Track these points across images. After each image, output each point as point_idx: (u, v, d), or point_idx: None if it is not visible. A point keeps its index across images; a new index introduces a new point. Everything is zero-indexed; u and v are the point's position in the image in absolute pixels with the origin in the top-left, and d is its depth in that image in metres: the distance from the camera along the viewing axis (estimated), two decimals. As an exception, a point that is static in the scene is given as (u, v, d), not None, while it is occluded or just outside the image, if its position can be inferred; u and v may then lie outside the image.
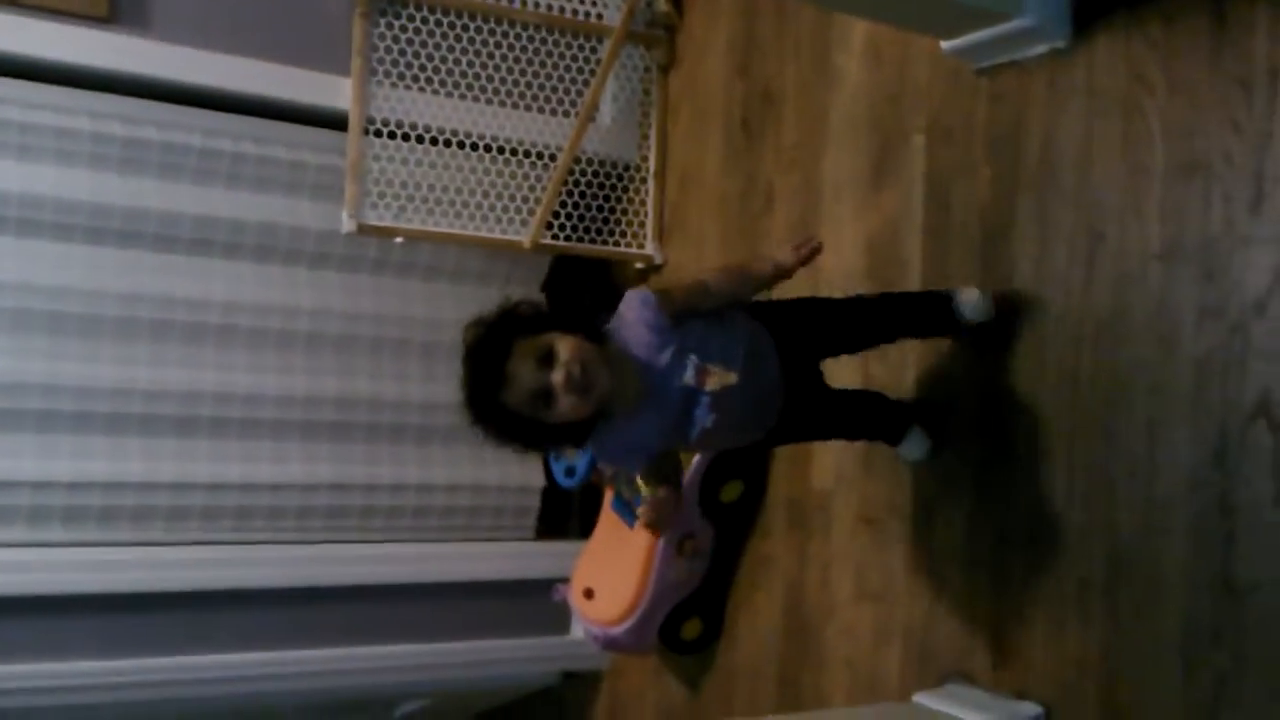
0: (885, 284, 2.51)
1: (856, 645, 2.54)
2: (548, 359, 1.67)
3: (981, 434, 2.27)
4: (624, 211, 3.38)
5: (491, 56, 3.19)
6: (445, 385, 3.15)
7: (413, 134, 3.09)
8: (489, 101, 3.20)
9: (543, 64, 3.26)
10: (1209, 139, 1.91)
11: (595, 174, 3.33)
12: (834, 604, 2.62)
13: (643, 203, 3.36)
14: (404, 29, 3.07)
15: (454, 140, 3.15)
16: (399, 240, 3.06)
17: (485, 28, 3.17)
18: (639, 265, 3.35)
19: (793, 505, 2.77)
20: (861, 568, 2.56)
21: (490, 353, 1.69)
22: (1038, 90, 2.21)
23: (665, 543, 2.80)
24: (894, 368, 2.46)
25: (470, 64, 3.17)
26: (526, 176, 3.25)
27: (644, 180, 3.36)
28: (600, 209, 3.36)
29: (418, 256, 3.28)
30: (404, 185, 3.06)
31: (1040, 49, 2.20)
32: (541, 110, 3.27)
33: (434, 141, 3.12)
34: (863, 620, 2.53)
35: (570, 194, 3.27)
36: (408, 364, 3.25)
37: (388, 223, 3.03)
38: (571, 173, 3.23)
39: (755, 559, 2.88)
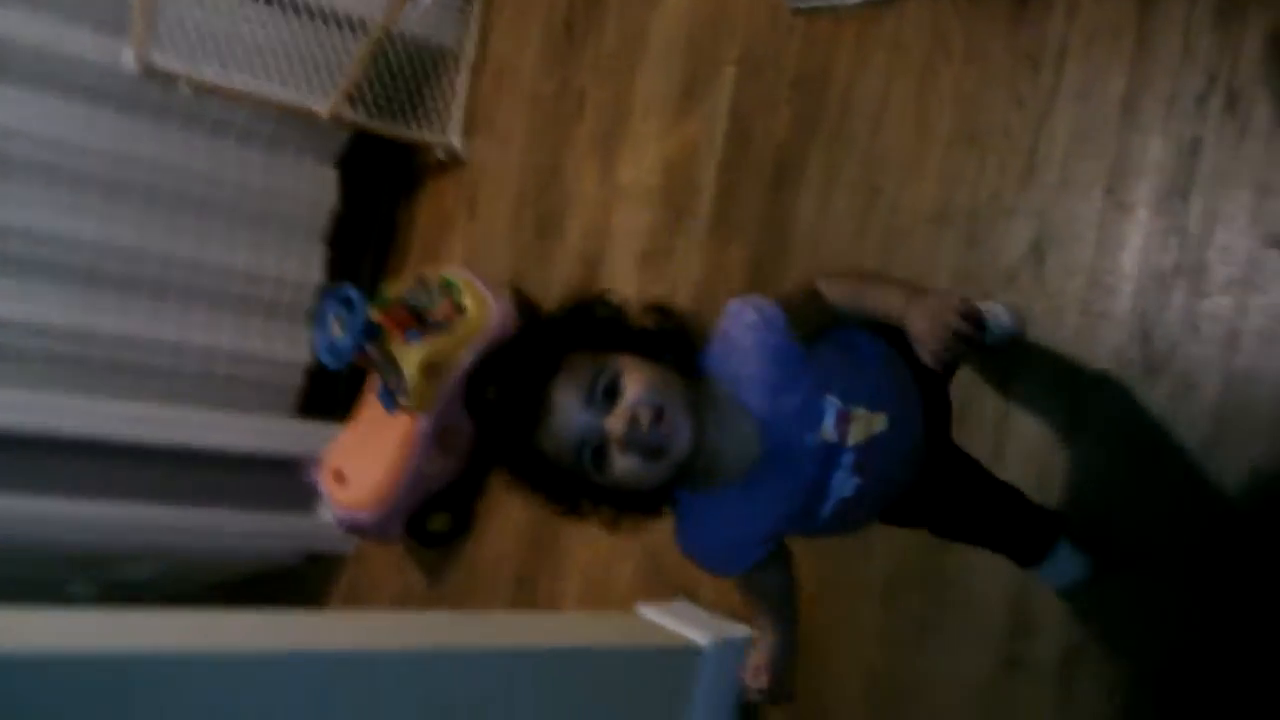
0: (673, 224, 2.54)
1: (595, 556, 2.59)
2: (609, 393, 1.12)
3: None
4: (433, 97, 3.28)
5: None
6: (218, 246, 3.03)
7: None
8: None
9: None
10: (994, 111, 1.98)
11: (409, 53, 3.21)
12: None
13: (454, 91, 3.26)
14: None
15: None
16: (186, 89, 2.88)
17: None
18: (440, 155, 3.26)
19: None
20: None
21: (530, 366, 1.14)
22: (847, 38, 2.25)
23: (424, 434, 2.77)
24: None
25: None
26: (335, 45, 3.10)
27: (458, 68, 3.27)
28: (409, 90, 3.24)
29: (206, 109, 3.09)
30: (199, 29, 2.87)
31: (858, -2, 2.23)
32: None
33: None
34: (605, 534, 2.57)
35: (379, 70, 3.14)
36: (180, 218, 3.08)
37: (176, 68, 2.84)
38: (383, 47, 3.10)
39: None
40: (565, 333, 1.18)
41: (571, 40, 2.95)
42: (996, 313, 1.80)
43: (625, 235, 2.67)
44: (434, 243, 3.27)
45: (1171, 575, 1.66)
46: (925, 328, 1.17)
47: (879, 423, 1.25)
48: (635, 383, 1.11)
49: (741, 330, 1.24)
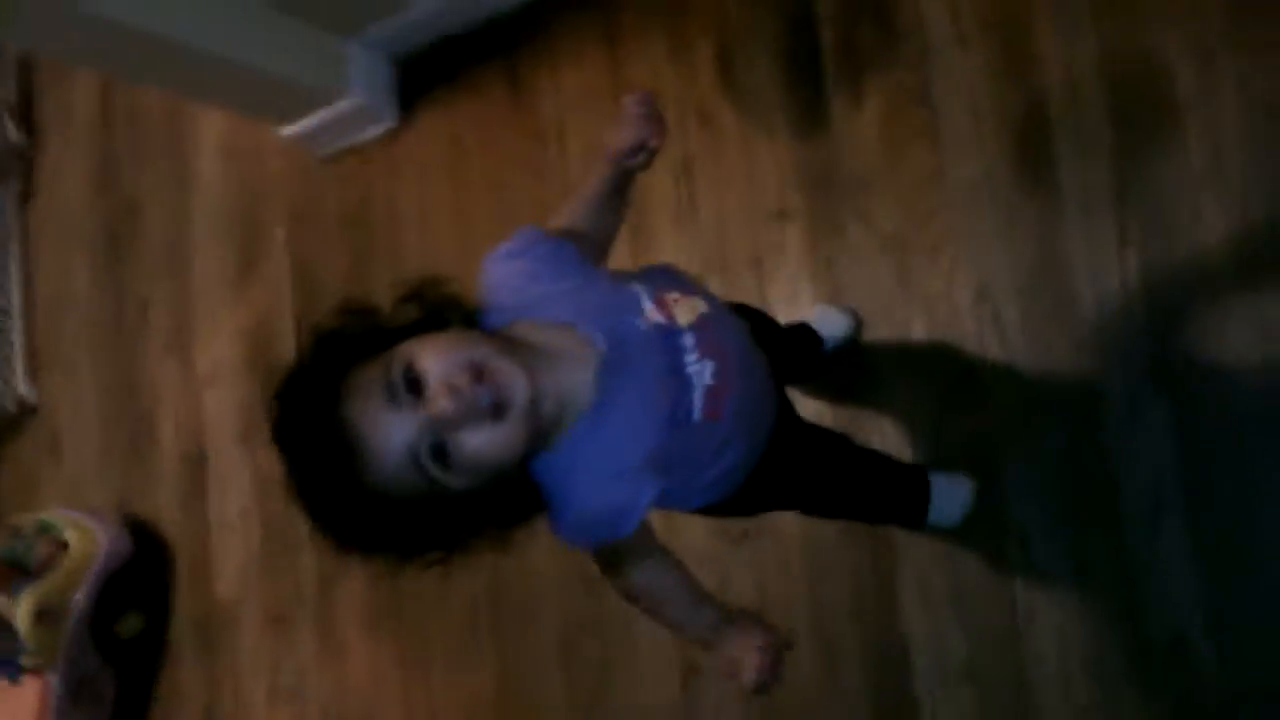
0: (265, 372, 2.50)
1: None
2: (411, 384, 0.90)
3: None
4: (-12, 352, 3.07)
5: None
6: None
7: None
8: None
9: None
10: (519, 189, 2.13)
11: (-52, 314, 3.01)
12: (251, 714, 2.47)
13: (10, 342, 3.08)
14: None
15: None
16: None
17: None
18: (10, 408, 3.04)
19: (199, 624, 2.60)
20: (274, 669, 2.45)
21: (314, 415, 0.93)
22: (378, 168, 2.36)
23: (58, 693, 2.50)
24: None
25: None
26: None
27: (9, 316, 3.09)
28: (-43, 351, 3.03)
29: None
30: None
31: (375, 130, 2.36)
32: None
33: None
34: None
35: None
36: None
37: None
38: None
39: (169, 691, 2.65)
40: (331, 362, 0.95)
41: (118, 252, 2.88)
42: (832, 319, 1.75)
43: (221, 420, 2.59)
44: (23, 500, 3.01)
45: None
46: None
47: (700, 305, 1.10)
48: (433, 355, 0.91)
49: (502, 267, 1.08)
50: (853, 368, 1.75)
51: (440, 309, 1.01)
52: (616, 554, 1.09)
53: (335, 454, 0.90)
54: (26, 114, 3.14)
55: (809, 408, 1.76)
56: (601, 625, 1.96)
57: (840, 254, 1.78)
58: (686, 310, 1.08)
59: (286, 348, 2.48)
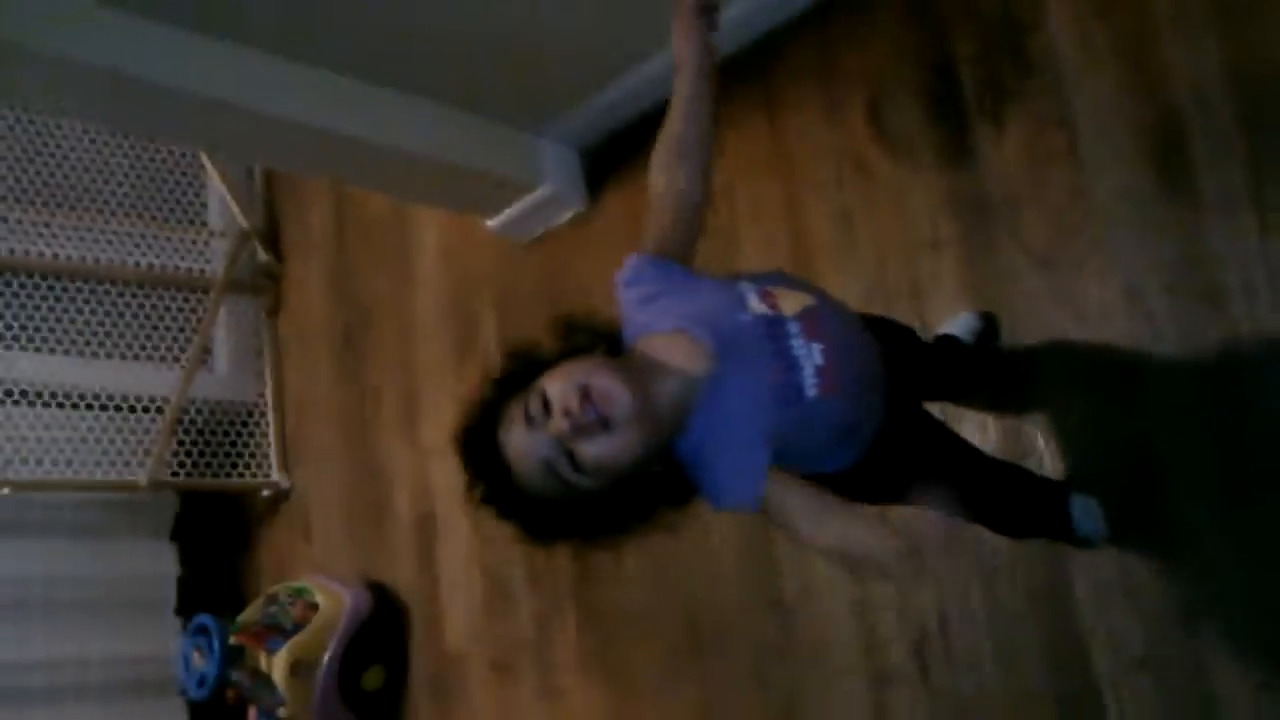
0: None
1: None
2: (547, 410, 1.13)
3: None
4: (246, 445, 3.48)
5: (96, 314, 3.30)
6: (69, 643, 3.06)
7: (17, 393, 3.11)
8: (97, 356, 3.28)
9: (147, 317, 3.39)
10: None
11: (214, 416, 3.44)
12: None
13: (264, 435, 3.48)
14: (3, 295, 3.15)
15: (62, 399, 3.18)
16: (4, 491, 3.01)
17: (88, 288, 3.30)
18: (266, 493, 3.43)
19: (434, 675, 2.84)
20: (501, 713, 2.65)
21: (480, 439, 1.19)
22: (571, 248, 2.62)
23: (310, 747, 2.77)
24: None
25: (75, 322, 3.26)
26: (146, 428, 3.30)
27: (263, 414, 3.50)
28: (224, 445, 3.44)
29: (29, 514, 3.21)
30: (9, 439, 3.05)
31: (567, 214, 2.62)
32: (155, 361, 3.37)
33: (41, 401, 3.14)
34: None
35: (189, 437, 3.34)
36: (27, 625, 3.11)
37: (-8, 475, 2.99)
38: (188, 417, 3.33)
39: (408, 744, 2.89)
40: (492, 401, 1.20)
41: (354, 350, 3.25)
42: (962, 320, 1.88)
43: (446, 486, 2.86)
44: (279, 576, 3.36)
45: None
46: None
47: (806, 299, 1.26)
48: (555, 383, 1.12)
49: (622, 295, 1.27)
50: (1011, 375, 1.84)
51: (581, 338, 1.22)
52: (779, 513, 1.20)
53: (497, 469, 1.16)
54: (273, 238, 3.60)
55: (974, 420, 1.86)
56: (790, 650, 2.07)
57: (994, 273, 1.89)
58: (792, 303, 1.24)
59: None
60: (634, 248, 1.29)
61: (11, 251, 3.16)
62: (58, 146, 3.33)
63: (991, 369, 1.85)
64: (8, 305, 3.15)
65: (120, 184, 3.44)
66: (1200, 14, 1.71)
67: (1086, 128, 1.81)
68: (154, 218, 3.46)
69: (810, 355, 1.20)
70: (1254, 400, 1.62)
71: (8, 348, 3.13)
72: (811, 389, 1.20)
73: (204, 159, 3.52)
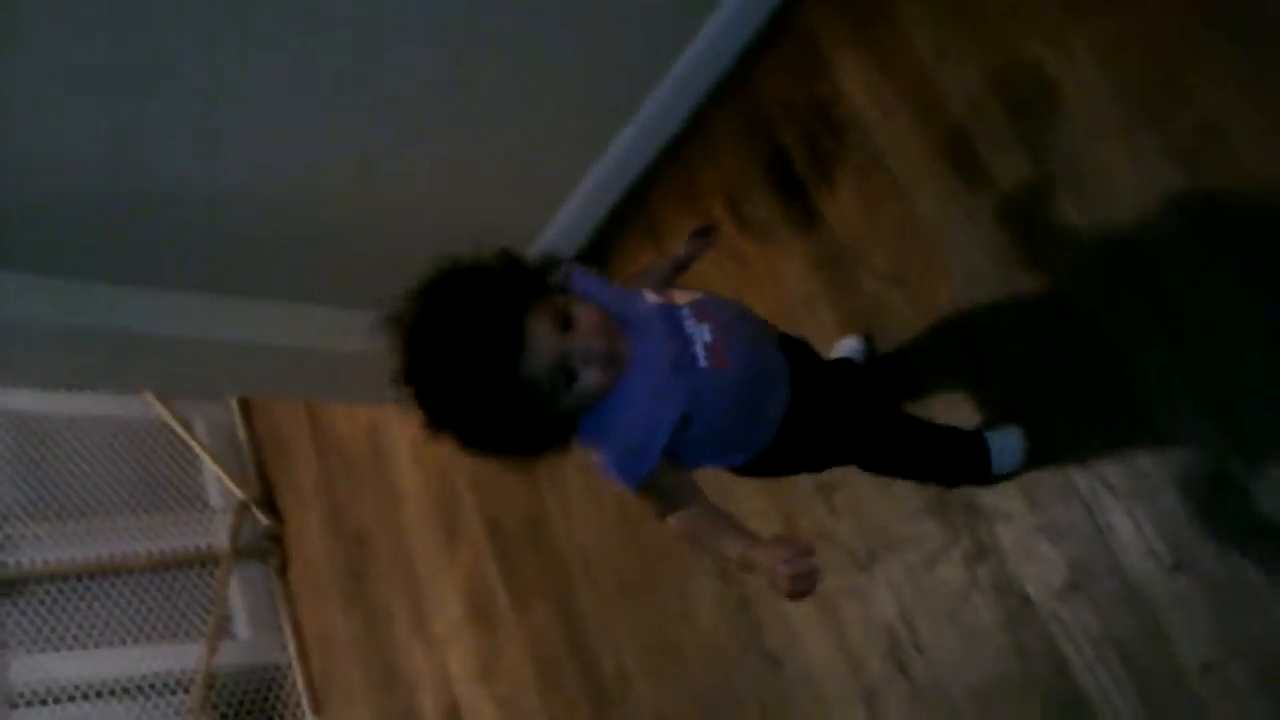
0: (486, 623, 2.93)
1: None
2: (567, 324, 1.32)
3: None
4: (278, 700, 3.61)
5: (116, 604, 3.50)
6: None
7: (50, 695, 3.27)
8: (124, 644, 3.46)
9: (165, 599, 3.60)
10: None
11: (243, 681, 3.59)
12: None
13: (293, 686, 3.62)
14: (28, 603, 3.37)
15: (94, 692, 3.34)
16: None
17: (106, 582, 3.52)
18: (304, 740, 3.53)
19: None
20: None
21: (500, 307, 1.30)
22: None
23: None
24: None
25: (99, 615, 3.46)
26: (178, 708, 3.44)
27: (289, 667, 3.65)
28: (256, 707, 3.57)
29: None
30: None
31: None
32: (179, 639, 3.55)
33: (73, 697, 3.30)
34: None
35: (222, 706, 3.48)
36: None
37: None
38: (218, 687, 3.48)
39: None
40: (520, 283, 1.35)
41: (359, 578, 3.45)
42: (847, 343, 2.13)
43: (463, 669, 3.00)
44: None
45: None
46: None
47: (694, 295, 1.49)
48: (586, 313, 1.34)
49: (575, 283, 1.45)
50: (896, 373, 2.08)
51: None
52: (661, 498, 1.41)
53: (508, 345, 1.28)
54: (270, 501, 3.86)
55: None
56: (790, 696, 2.20)
57: (862, 305, 2.15)
58: (683, 296, 1.49)
59: (495, 587, 2.92)
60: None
61: (31, 562, 3.41)
62: (63, 462, 3.64)
63: (882, 374, 2.09)
64: (34, 611, 3.36)
65: (123, 483, 3.73)
66: (955, 43, 2.05)
67: (897, 163, 2.12)
68: (157, 508, 3.73)
69: (700, 334, 1.42)
70: (1081, 316, 1.85)
71: (39, 650, 3.32)
72: (703, 360, 1.41)
73: (194, 445, 3.83)
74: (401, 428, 3.26)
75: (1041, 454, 1.87)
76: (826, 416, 1.64)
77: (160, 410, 3.87)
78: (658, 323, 1.43)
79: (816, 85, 2.26)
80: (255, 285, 2.47)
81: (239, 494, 3.78)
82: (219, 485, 3.86)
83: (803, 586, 1.24)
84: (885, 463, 1.84)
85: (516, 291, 1.33)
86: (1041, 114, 1.93)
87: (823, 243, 2.23)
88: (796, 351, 1.65)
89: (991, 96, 2.00)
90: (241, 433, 4.00)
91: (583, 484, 2.68)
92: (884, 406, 1.94)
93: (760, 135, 2.37)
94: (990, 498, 1.92)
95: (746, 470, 1.61)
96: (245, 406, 4.05)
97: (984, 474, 1.89)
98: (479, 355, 1.29)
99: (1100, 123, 1.86)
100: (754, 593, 2.28)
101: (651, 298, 1.47)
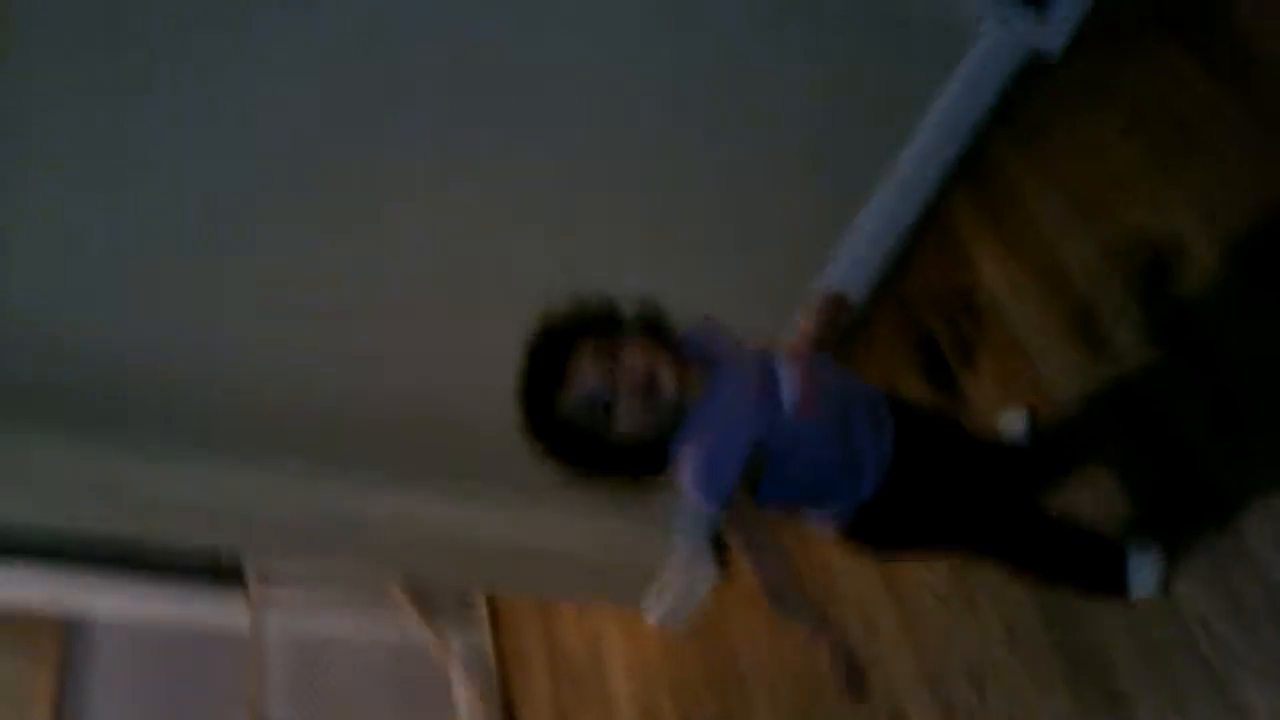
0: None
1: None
2: (613, 359, 1.45)
3: None
4: None
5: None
6: None
7: None
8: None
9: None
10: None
11: None
12: None
13: None
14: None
15: None
16: None
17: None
18: None
19: None
20: None
21: (552, 348, 1.48)
22: (721, 615, 2.96)
23: None
24: None
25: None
26: None
27: None
28: None
29: None
30: None
31: (705, 587, 3.00)
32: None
33: None
34: None
35: None
36: None
37: None
38: None
39: None
40: (574, 327, 1.49)
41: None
42: (1011, 420, 2.10)
43: None
44: None
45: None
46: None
47: (804, 357, 1.56)
48: (633, 350, 1.45)
49: (690, 329, 1.57)
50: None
51: (655, 326, 1.53)
52: (740, 528, 1.50)
53: (554, 374, 1.45)
54: (511, 716, 4.05)
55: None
56: None
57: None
58: (785, 347, 1.59)
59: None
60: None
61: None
62: (333, 682, 4.01)
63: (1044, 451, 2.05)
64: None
65: (385, 702, 4.04)
66: (1073, 222, 2.12)
67: (1030, 340, 2.17)
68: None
69: (791, 379, 1.50)
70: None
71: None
72: (788, 399, 1.48)
73: (449, 665, 4.12)
74: (618, 637, 3.41)
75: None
76: (932, 478, 1.62)
77: (423, 632, 4.21)
78: (751, 364, 1.53)
79: (959, 274, 2.37)
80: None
81: (483, 711, 4.00)
82: (467, 702, 4.09)
83: (845, 686, 1.46)
84: (1010, 550, 1.76)
85: (577, 330, 1.48)
86: (1152, 276, 1.95)
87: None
88: (914, 418, 1.65)
89: (1107, 267, 2.04)
90: (490, 650, 4.26)
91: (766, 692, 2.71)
92: (1019, 489, 1.87)
93: (910, 322, 2.48)
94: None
95: (851, 532, 1.62)
96: (495, 624, 4.32)
97: (1115, 586, 1.78)
98: (528, 392, 1.48)
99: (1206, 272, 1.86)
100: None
101: (754, 349, 1.57)
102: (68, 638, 3.80)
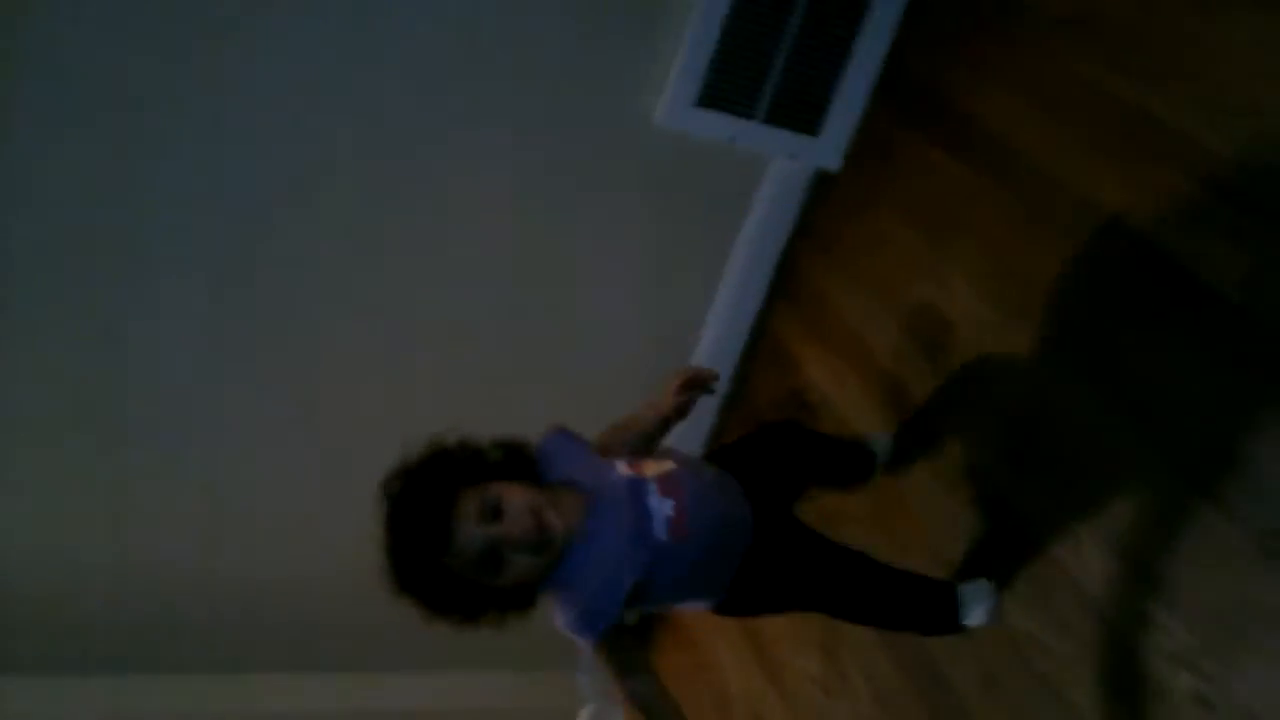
0: None
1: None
2: (495, 511, 1.45)
3: None
4: None
5: None
6: None
7: None
8: None
9: None
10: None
11: None
12: None
13: None
14: None
15: None
16: None
17: None
18: None
19: None
20: None
21: (427, 508, 1.45)
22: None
23: None
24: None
25: None
26: None
27: None
28: None
29: None
30: None
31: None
32: None
33: None
34: None
35: None
36: None
37: None
38: None
39: None
40: (443, 476, 1.47)
41: None
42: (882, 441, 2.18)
43: None
44: None
45: None
46: (666, 402, 1.66)
47: (668, 465, 1.59)
48: (514, 499, 1.45)
49: (545, 448, 1.60)
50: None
51: (518, 462, 1.55)
52: (614, 657, 1.52)
53: (437, 537, 1.43)
54: None
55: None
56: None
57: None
58: (654, 468, 1.59)
59: None
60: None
61: None
62: None
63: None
64: None
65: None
66: (872, 309, 2.33)
67: (856, 420, 2.34)
68: None
69: (663, 508, 1.53)
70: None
71: None
72: (662, 534, 1.52)
73: None
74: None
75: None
76: (783, 567, 1.70)
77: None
78: (623, 495, 1.54)
79: (790, 377, 2.55)
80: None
81: None
82: None
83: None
84: (855, 610, 1.85)
85: (450, 483, 1.46)
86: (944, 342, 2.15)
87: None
88: (767, 497, 1.71)
89: (906, 342, 2.24)
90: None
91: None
92: (852, 554, 1.88)
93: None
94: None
95: (721, 611, 1.69)
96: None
97: (949, 623, 1.87)
98: (412, 554, 1.45)
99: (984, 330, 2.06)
100: None
101: (623, 469, 1.57)
102: None
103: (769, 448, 1.87)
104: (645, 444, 1.69)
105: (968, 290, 2.10)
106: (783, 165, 2.49)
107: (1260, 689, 1.52)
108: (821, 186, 2.55)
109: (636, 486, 1.55)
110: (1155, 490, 1.70)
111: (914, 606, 1.91)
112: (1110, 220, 1.82)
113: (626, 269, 2.53)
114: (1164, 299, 1.72)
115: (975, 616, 1.87)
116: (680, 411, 1.71)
